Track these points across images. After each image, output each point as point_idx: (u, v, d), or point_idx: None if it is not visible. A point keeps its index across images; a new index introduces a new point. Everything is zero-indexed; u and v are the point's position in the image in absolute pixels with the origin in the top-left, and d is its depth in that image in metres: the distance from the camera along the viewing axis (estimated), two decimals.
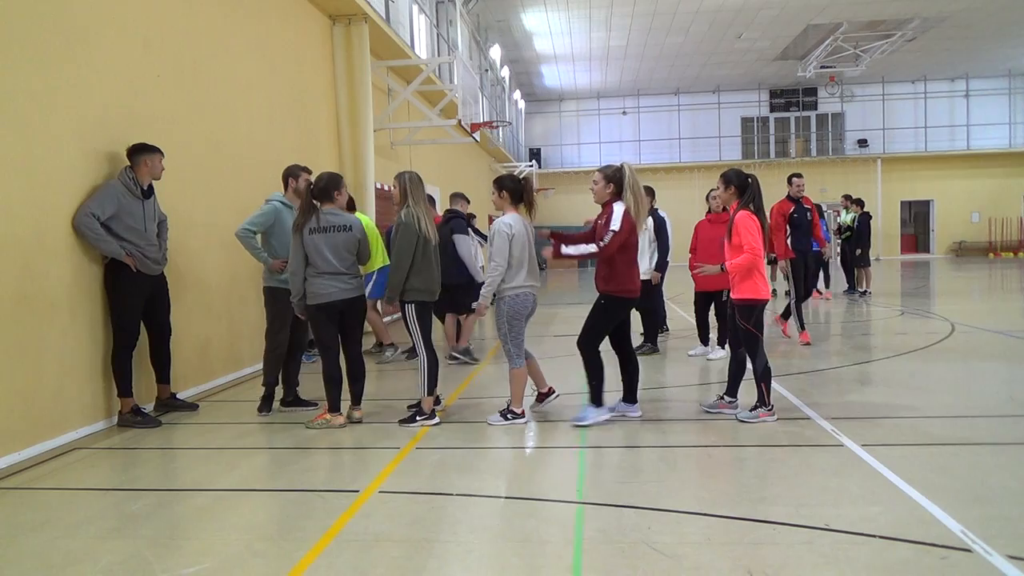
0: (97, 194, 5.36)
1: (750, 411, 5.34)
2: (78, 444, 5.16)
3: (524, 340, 5.48)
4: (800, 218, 9.00)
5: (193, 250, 6.81)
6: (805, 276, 9.03)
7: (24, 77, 4.93)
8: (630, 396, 5.53)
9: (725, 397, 5.59)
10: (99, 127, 5.61)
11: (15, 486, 4.35)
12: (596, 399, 5.35)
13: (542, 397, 5.78)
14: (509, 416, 5.40)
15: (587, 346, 5.37)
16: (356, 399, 5.68)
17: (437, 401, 5.78)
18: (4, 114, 4.76)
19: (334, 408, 5.53)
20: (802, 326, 8.75)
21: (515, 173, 5.78)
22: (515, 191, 5.46)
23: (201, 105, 7.13)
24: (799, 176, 9.20)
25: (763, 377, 5.30)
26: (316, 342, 5.65)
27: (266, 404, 6.02)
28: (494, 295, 5.44)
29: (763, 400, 5.31)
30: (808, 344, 8.54)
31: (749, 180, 5.39)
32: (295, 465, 4.74)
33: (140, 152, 5.58)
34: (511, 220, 5.36)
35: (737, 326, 5.38)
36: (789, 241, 8.95)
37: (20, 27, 4.92)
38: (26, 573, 3.21)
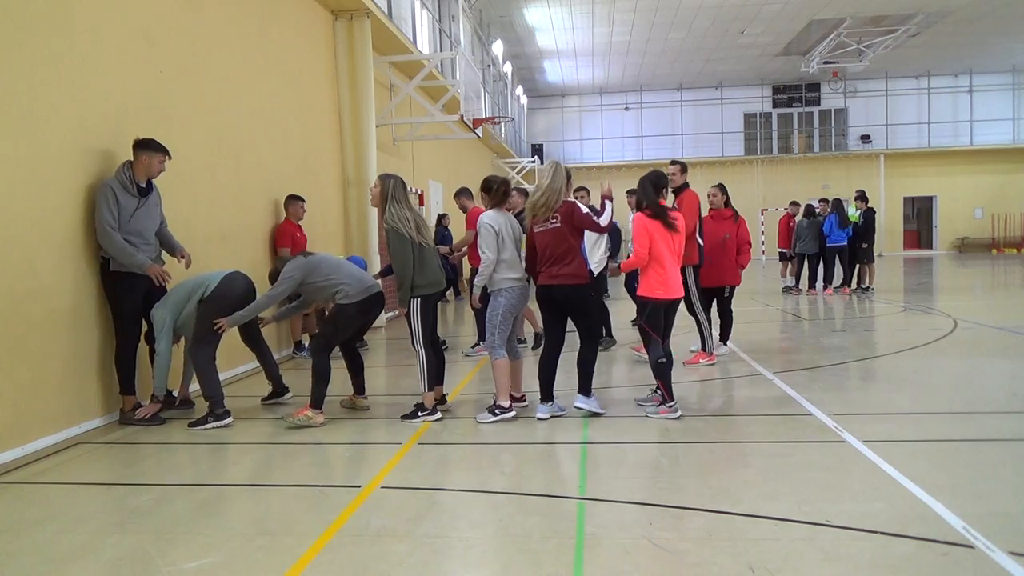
0: (99, 202, 5.29)
1: (656, 406, 5.43)
2: (80, 439, 5.18)
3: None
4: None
5: (194, 246, 6.80)
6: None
7: (26, 74, 4.93)
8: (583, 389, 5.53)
9: (659, 391, 5.68)
10: (101, 124, 5.61)
11: (18, 480, 4.37)
12: (546, 395, 5.48)
13: (513, 400, 5.69)
14: (497, 411, 5.42)
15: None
16: (362, 389, 5.96)
17: (443, 400, 5.79)
18: (6, 111, 4.76)
19: (319, 405, 5.48)
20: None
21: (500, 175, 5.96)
22: (489, 190, 5.74)
23: (203, 101, 7.12)
24: None
25: (654, 371, 5.39)
26: (332, 339, 5.63)
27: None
28: (486, 287, 5.60)
29: (662, 397, 5.38)
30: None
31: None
32: (297, 460, 4.75)
33: (140, 148, 5.50)
34: (492, 215, 5.57)
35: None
36: None
37: (21, 24, 4.92)
38: (29, 567, 3.22)
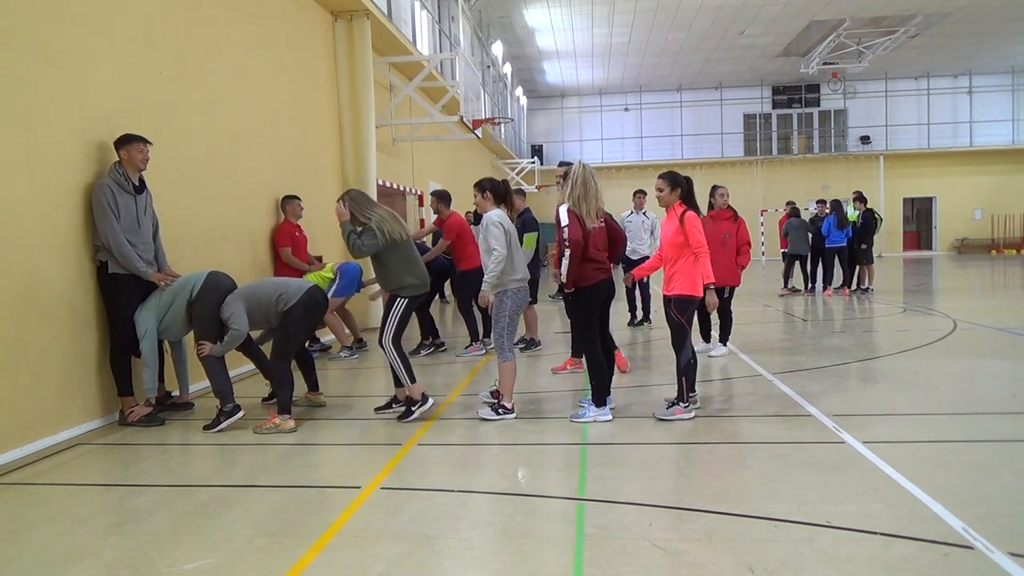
0: (100, 204, 5.28)
1: (667, 408, 5.35)
2: (80, 440, 5.18)
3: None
4: None
5: (194, 246, 6.81)
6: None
7: (25, 73, 4.93)
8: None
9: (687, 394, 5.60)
10: (100, 123, 5.60)
11: (18, 481, 4.37)
12: (597, 398, 5.37)
13: (497, 395, 5.64)
14: (500, 411, 5.42)
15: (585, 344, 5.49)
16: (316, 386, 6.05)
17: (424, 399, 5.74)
18: (6, 111, 4.76)
19: (287, 411, 5.40)
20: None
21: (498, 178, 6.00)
22: (497, 191, 5.82)
23: (202, 101, 7.12)
24: None
25: (685, 371, 5.33)
26: (286, 344, 5.52)
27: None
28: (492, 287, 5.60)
29: (681, 395, 5.32)
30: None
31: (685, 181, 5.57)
32: (296, 461, 4.75)
33: (119, 145, 5.49)
34: (500, 214, 5.63)
35: (671, 320, 5.41)
36: None
37: (21, 22, 4.92)
38: (28, 568, 3.22)
